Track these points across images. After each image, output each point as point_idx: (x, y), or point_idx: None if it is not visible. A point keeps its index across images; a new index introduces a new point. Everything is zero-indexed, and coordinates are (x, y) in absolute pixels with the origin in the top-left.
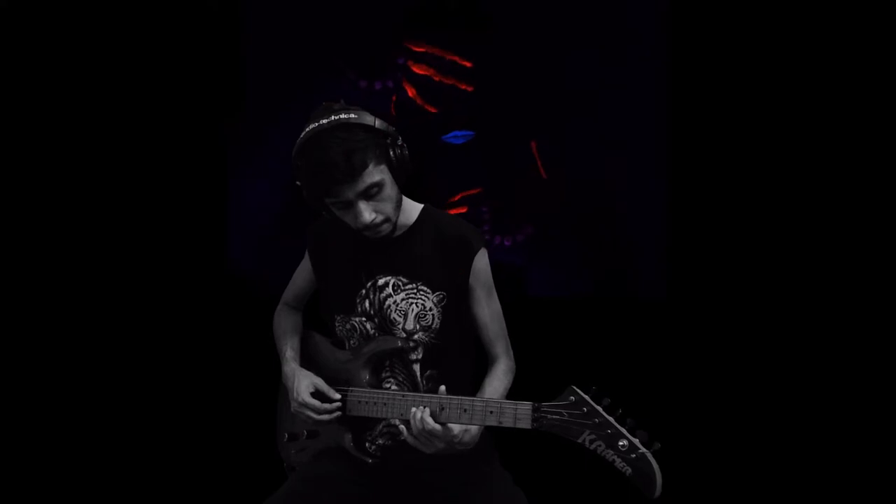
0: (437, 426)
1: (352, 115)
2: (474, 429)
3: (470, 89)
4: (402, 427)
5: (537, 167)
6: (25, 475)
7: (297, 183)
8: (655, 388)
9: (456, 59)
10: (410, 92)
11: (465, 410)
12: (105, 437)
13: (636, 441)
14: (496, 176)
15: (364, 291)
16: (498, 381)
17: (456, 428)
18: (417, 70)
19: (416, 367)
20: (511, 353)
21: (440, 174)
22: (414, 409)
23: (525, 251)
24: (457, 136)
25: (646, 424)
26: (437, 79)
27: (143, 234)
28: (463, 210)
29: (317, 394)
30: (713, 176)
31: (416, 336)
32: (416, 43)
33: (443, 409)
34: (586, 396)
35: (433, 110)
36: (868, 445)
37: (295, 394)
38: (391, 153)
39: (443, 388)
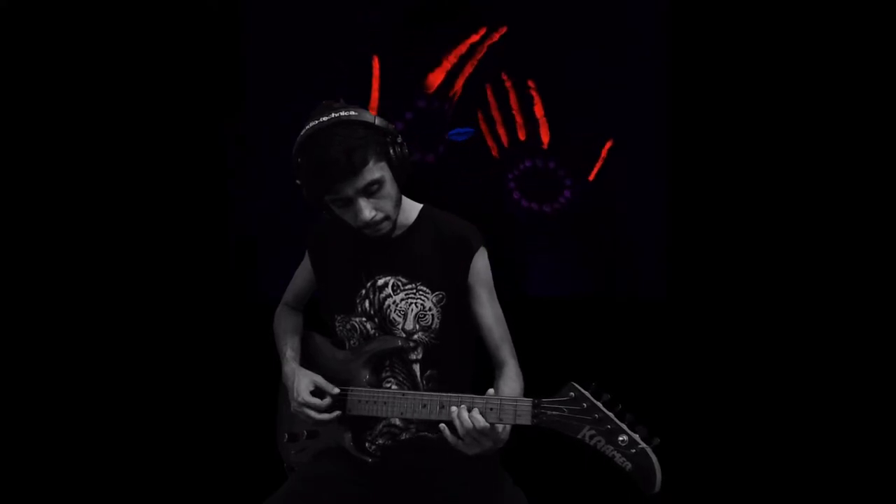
0: (487, 424)
1: (351, 113)
2: (509, 426)
3: (504, 30)
4: (442, 426)
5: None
6: (27, 476)
7: (298, 182)
8: (655, 387)
9: (472, 40)
10: (457, 87)
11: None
12: (106, 438)
13: (636, 436)
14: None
15: (364, 291)
16: (514, 381)
17: (499, 426)
18: (462, 80)
19: (416, 367)
20: (516, 355)
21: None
22: (456, 409)
23: (532, 229)
24: (459, 133)
25: (646, 423)
26: (474, 65)
27: (142, 234)
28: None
29: (316, 392)
30: (713, 176)
31: (415, 336)
32: (434, 74)
33: (443, 406)
34: (586, 392)
35: (472, 66)
36: (868, 445)
37: (295, 393)
38: (391, 151)
39: (491, 390)
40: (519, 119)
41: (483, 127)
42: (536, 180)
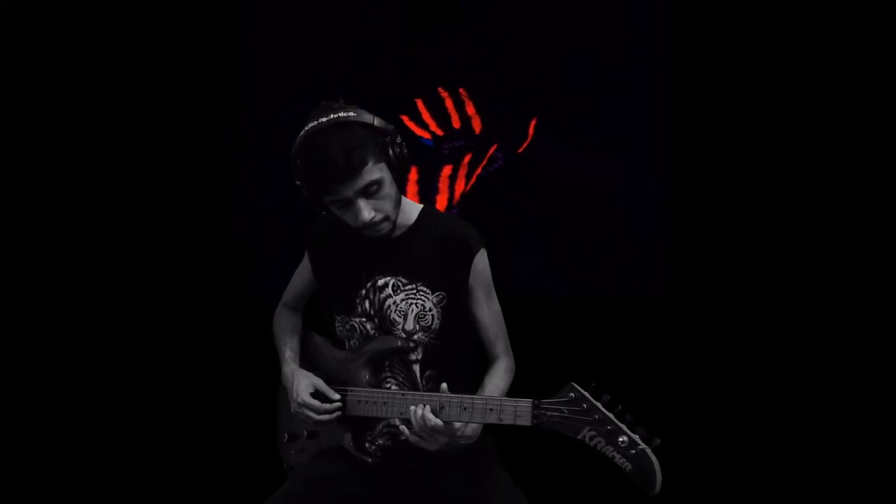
0: (440, 422)
1: (350, 114)
2: (476, 425)
3: (493, 148)
4: (402, 427)
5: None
6: (26, 475)
7: (297, 182)
8: (655, 387)
9: (446, 172)
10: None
11: (465, 408)
12: (106, 438)
13: (636, 437)
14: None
15: (364, 292)
16: (499, 378)
17: (457, 423)
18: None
19: (416, 368)
20: (511, 352)
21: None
22: (413, 408)
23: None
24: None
25: (646, 424)
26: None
27: (142, 235)
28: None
29: (316, 394)
30: (713, 176)
31: (415, 336)
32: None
33: (443, 407)
34: (586, 393)
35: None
36: (868, 445)
37: (294, 394)
38: (390, 151)
39: (444, 385)
40: (454, 115)
41: (411, 125)
42: (470, 152)
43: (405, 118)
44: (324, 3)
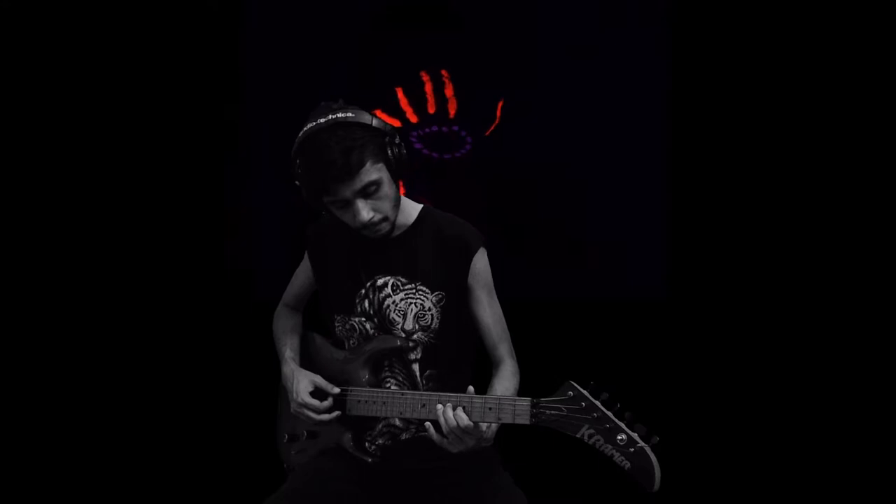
0: (471, 423)
1: (349, 114)
2: (495, 425)
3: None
4: (427, 424)
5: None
6: (26, 475)
7: (296, 182)
8: (655, 388)
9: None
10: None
11: (464, 407)
12: (106, 438)
13: (635, 435)
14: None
15: (363, 291)
16: (508, 381)
17: (483, 424)
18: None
19: (416, 367)
20: (514, 355)
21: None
22: (441, 408)
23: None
24: None
25: (646, 423)
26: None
27: (142, 234)
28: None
29: (316, 393)
30: (713, 176)
31: (414, 336)
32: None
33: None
34: (585, 391)
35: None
36: (868, 445)
37: (294, 394)
38: (389, 152)
39: (471, 388)
40: (430, 99)
41: (383, 116)
42: (439, 136)
43: (378, 112)
44: (323, 3)
